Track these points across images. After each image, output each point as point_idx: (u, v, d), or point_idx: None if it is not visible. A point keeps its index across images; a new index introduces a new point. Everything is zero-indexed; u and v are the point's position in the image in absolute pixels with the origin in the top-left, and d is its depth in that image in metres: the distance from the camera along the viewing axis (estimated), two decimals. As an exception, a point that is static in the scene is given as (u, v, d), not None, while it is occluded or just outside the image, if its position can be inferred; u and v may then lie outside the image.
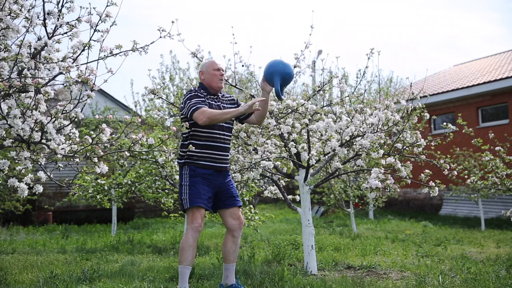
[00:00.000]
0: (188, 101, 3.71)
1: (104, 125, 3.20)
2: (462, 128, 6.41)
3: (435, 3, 48.48)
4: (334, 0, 52.34)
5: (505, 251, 6.81)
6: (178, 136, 7.52)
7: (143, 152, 3.63)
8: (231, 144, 4.01)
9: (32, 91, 2.97)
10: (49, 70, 3.04)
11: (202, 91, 3.86)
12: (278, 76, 3.79)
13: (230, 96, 4.05)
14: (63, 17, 3.08)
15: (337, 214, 13.77)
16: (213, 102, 3.84)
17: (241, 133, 4.83)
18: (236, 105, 3.99)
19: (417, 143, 4.61)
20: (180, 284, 3.62)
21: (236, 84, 5.32)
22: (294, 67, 5.06)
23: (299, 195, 5.12)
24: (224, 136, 3.84)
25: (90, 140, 3.19)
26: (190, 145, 3.60)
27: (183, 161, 3.77)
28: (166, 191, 8.04)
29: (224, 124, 3.83)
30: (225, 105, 3.92)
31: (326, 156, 4.91)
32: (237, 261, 5.37)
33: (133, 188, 8.20)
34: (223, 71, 3.94)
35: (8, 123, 2.86)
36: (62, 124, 3.05)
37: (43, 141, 3.01)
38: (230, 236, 3.85)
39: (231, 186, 3.88)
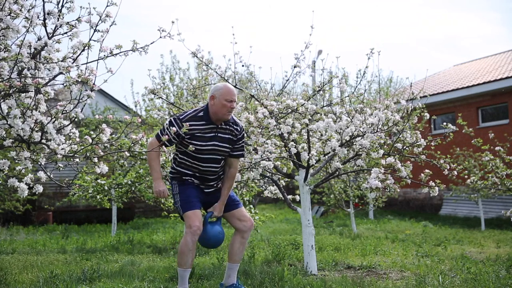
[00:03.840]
0: (164, 125, 3.69)
1: (104, 125, 3.20)
2: (462, 128, 6.41)
3: (435, 3, 48.52)
4: (334, 0, 52.38)
5: (505, 251, 6.81)
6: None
7: (143, 152, 3.63)
8: (220, 170, 3.83)
9: (32, 91, 2.97)
10: (49, 70, 3.04)
11: (190, 124, 3.60)
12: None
13: (236, 128, 3.77)
14: (63, 17, 3.09)
15: (337, 214, 13.77)
16: (206, 134, 3.65)
17: (241, 133, 4.82)
18: (234, 138, 3.77)
19: (417, 143, 4.61)
20: (179, 286, 3.64)
21: (236, 84, 5.33)
22: (294, 67, 5.06)
23: (299, 195, 5.12)
24: (210, 169, 3.73)
25: (90, 140, 3.19)
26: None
27: (171, 176, 3.83)
28: (166, 191, 8.03)
29: (211, 156, 3.69)
30: (222, 135, 3.71)
31: (326, 156, 4.91)
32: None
33: (133, 188, 8.20)
34: (235, 102, 3.68)
35: (8, 123, 2.86)
36: (62, 124, 3.05)
37: (43, 141, 3.01)
38: (239, 237, 3.85)
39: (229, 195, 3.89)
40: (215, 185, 3.84)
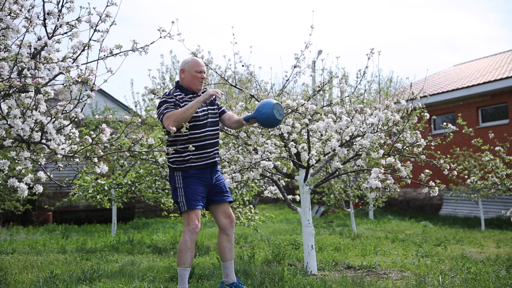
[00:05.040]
0: (158, 109, 3.71)
1: (104, 125, 3.19)
2: (462, 128, 6.41)
3: (435, 3, 48.53)
4: (334, 0, 52.39)
5: (505, 251, 6.81)
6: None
7: (143, 152, 3.62)
8: (219, 138, 4.02)
9: (32, 91, 2.97)
10: (49, 70, 3.04)
11: (177, 94, 3.78)
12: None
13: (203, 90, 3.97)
14: (63, 17, 3.08)
15: (337, 214, 13.78)
16: (191, 101, 3.77)
17: (241, 133, 4.83)
18: (213, 99, 3.95)
19: (417, 143, 4.61)
20: (179, 286, 3.62)
21: (236, 84, 5.33)
22: (294, 67, 5.06)
23: (299, 195, 5.12)
24: (209, 133, 3.80)
25: (90, 140, 3.19)
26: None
27: (174, 166, 3.74)
28: (166, 191, 8.04)
29: (207, 121, 3.80)
30: (207, 106, 3.88)
31: (326, 156, 4.91)
32: (237, 261, 5.37)
33: (133, 188, 8.20)
34: (205, 73, 3.87)
35: (8, 123, 2.86)
36: (62, 124, 3.05)
37: (43, 141, 3.01)
38: (223, 235, 3.86)
39: (220, 181, 3.88)
40: (216, 155, 3.82)
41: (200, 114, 3.77)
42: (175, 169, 3.74)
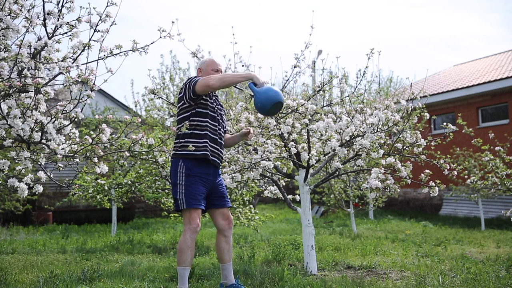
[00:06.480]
0: (191, 80, 3.67)
1: (104, 125, 3.19)
2: (462, 128, 6.42)
3: (435, 3, 48.54)
4: (334, 0, 52.38)
5: (505, 251, 6.81)
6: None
7: (143, 152, 3.62)
8: (223, 139, 4.04)
9: (32, 91, 2.97)
10: (49, 70, 3.04)
11: None
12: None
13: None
14: (63, 17, 3.08)
15: (337, 214, 13.78)
16: (212, 102, 3.80)
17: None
18: (223, 107, 4.01)
19: (417, 143, 4.61)
20: (179, 285, 3.61)
21: (236, 84, 5.32)
22: (294, 67, 5.06)
23: (299, 195, 5.12)
24: (220, 132, 3.82)
25: (90, 140, 3.19)
26: (190, 146, 3.57)
27: (180, 153, 3.64)
28: (166, 191, 8.04)
29: (220, 118, 3.81)
30: (220, 106, 3.91)
31: (326, 156, 4.91)
32: (237, 261, 5.37)
33: (133, 188, 8.20)
34: (221, 72, 3.88)
35: (8, 123, 2.86)
36: (62, 124, 3.05)
37: (43, 141, 3.01)
38: (221, 237, 3.84)
39: (221, 186, 3.87)
40: (221, 158, 3.81)
41: (214, 105, 3.78)
42: (180, 156, 3.65)
